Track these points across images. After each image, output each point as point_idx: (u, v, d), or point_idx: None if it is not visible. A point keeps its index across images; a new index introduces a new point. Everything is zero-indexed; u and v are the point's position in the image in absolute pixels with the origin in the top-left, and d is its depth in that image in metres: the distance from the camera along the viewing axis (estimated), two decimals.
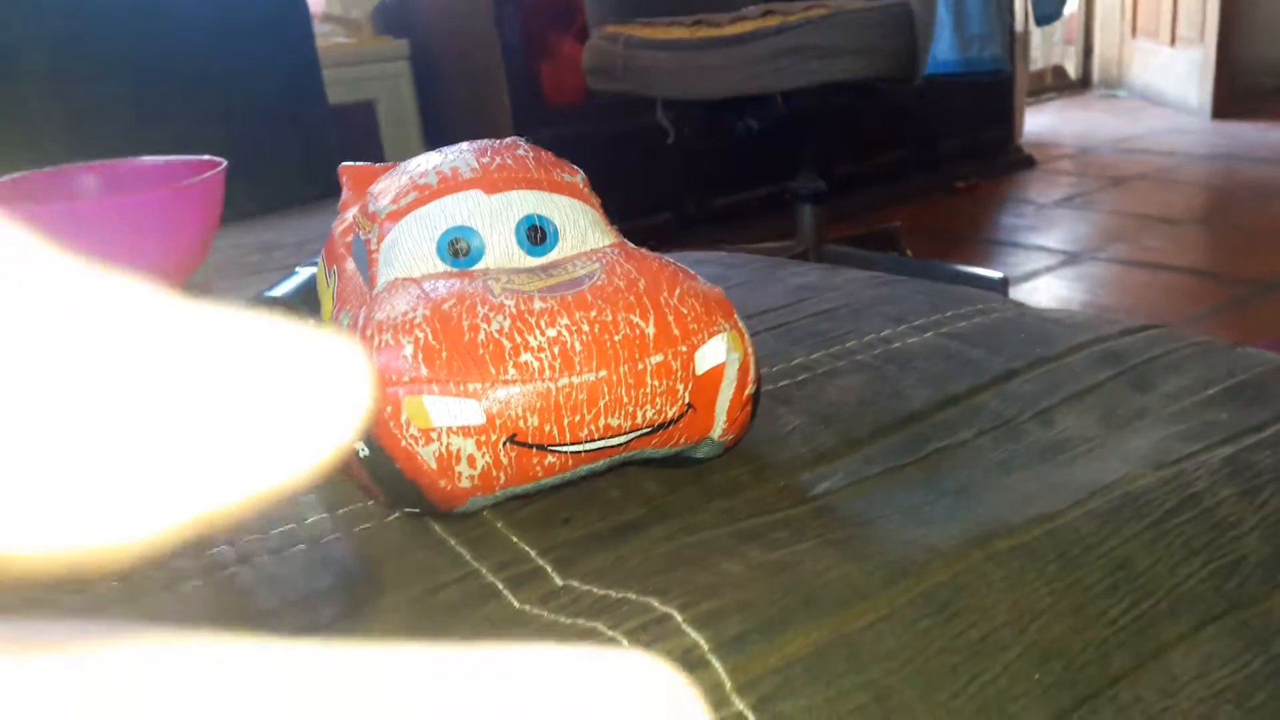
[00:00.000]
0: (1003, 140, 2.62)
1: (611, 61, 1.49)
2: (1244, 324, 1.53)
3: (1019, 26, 2.50)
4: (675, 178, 2.01)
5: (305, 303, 0.59)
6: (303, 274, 0.62)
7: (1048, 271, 1.85)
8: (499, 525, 0.31)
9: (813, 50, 1.32)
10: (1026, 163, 2.61)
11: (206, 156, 0.69)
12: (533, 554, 0.30)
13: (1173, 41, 3.08)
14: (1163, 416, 0.36)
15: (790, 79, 1.34)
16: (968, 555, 0.28)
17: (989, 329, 0.44)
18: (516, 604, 0.27)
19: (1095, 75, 3.50)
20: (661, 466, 0.34)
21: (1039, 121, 3.11)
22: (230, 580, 0.29)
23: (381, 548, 0.31)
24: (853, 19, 1.32)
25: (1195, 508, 0.30)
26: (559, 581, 0.28)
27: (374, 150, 1.93)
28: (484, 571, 0.29)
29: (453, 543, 0.30)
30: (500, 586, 0.28)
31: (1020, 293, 1.73)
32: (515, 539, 0.31)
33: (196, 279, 0.69)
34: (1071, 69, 3.54)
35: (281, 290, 0.60)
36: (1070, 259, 1.93)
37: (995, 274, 1.53)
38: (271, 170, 1.01)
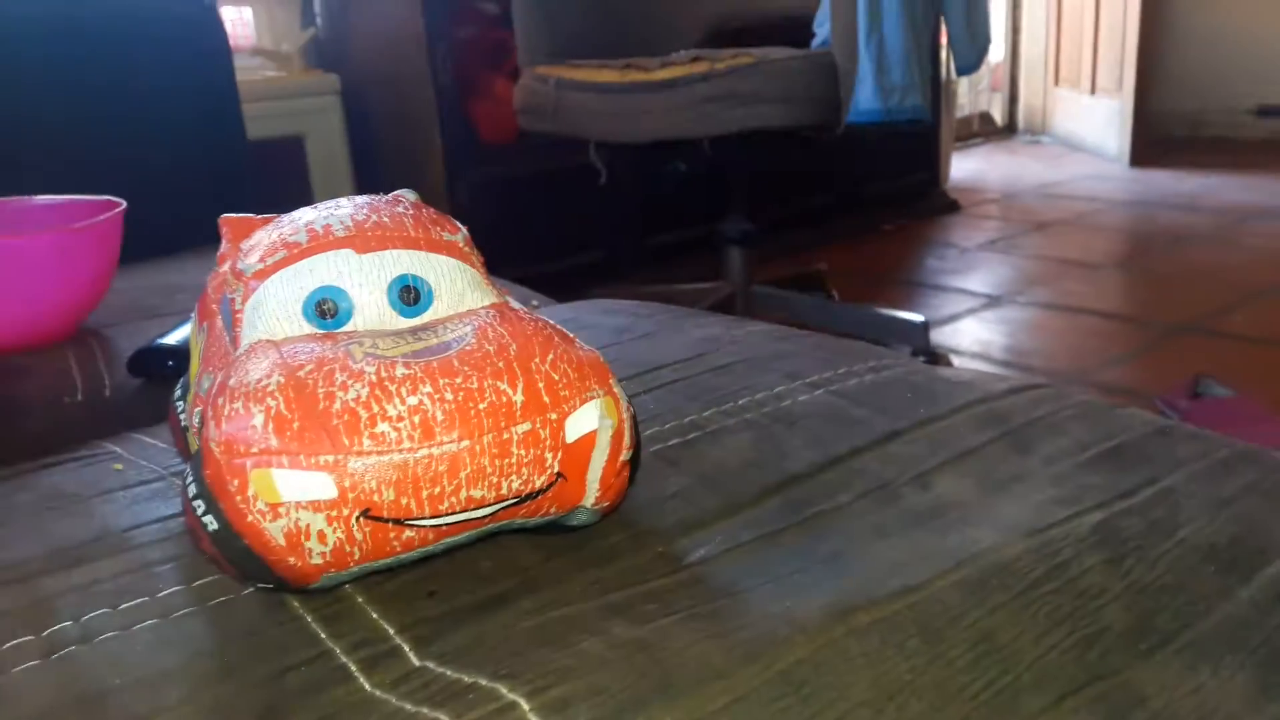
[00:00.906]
0: (928, 185, 2.68)
1: (542, 102, 1.50)
2: (1156, 367, 1.58)
3: (946, 74, 2.57)
4: (607, 217, 2.01)
5: None
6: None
7: (969, 314, 1.88)
8: (359, 600, 0.30)
9: (737, 98, 1.34)
10: (951, 207, 2.67)
11: (105, 197, 0.67)
12: (391, 632, 0.29)
13: (1093, 91, 3.19)
14: (1039, 479, 0.36)
15: (715, 125, 1.36)
16: (829, 630, 0.27)
17: (877, 388, 0.44)
18: (369, 687, 0.26)
19: (1020, 122, 3.61)
20: (535, 534, 0.33)
21: (965, 166, 3.19)
22: (69, 660, 0.28)
23: (235, 624, 0.29)
24: (777, 68, 1.34)
25: (1061, 577, 0.31)
26: (415, 662, 0.27)
27: (302, 186, 1.91)
28: (338, 651, 0.28)
29: (309, 619, 0.29)
30: (353, 669, 0.27)
31: (942, 335, 1.77)
32: (375, 615, 0.30)
33: (90, 323, 0.67)
34: (998, 115, 3.65)
35: (175, 337, 0.58)
36: (992, 302, 1.97)
37: (917, 317, 1.56)
38: (182, 206, 0.99)
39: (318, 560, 0.28)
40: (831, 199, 2.43)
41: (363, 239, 0.32)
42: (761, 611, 0.28)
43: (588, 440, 0.30)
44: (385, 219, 0.34)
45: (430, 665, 0.27)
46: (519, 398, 0.29)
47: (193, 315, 0.40)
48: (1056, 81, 3.41)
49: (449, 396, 0.28)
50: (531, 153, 1.89)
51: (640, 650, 0.26)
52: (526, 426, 0.29)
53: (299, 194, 1.89)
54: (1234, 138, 3.33)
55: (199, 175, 1.06)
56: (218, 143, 1.09)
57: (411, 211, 0.35)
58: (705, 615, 0.28)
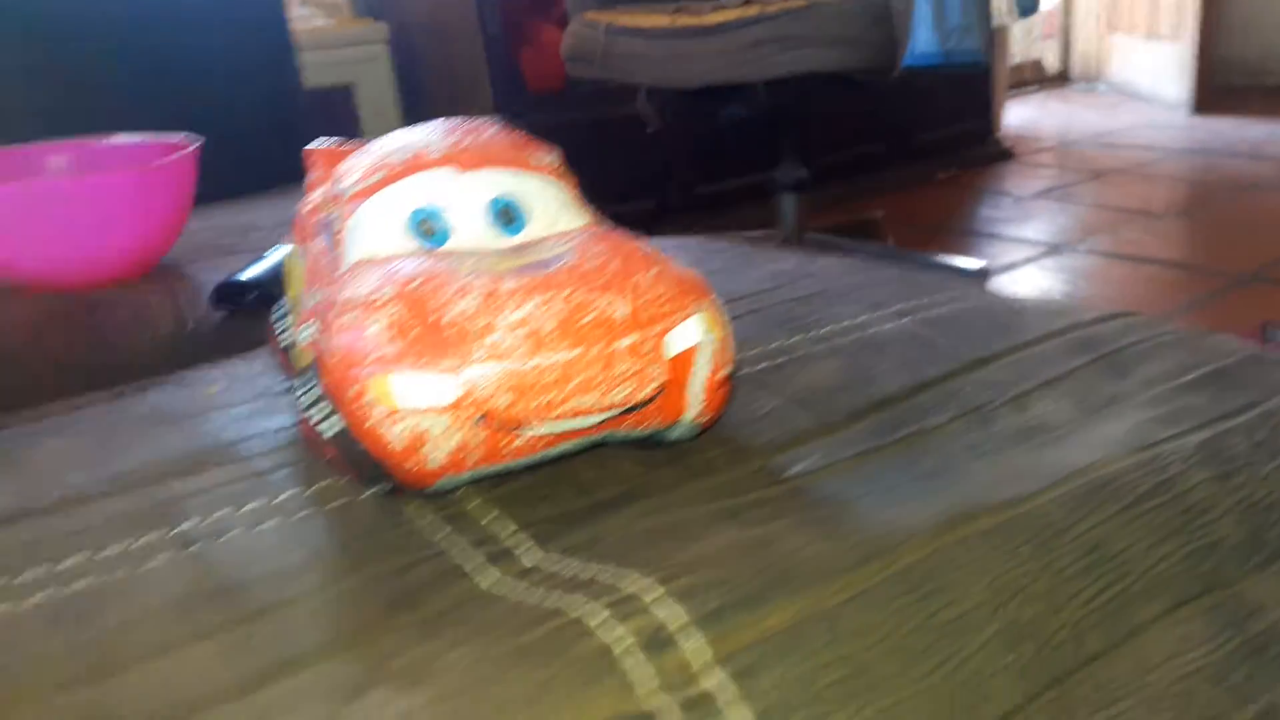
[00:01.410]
0: (982, 133, 2.63)
1: (591, 49, 1.49)
2: (1222, 315, 1.55)
3: (998, 20, 2.51)
4: (657, 165, 2.00)
5: (278, 284, 0.58)
6: (275, 256, 0.61)
7: (1028, 262, 1.85)
8: (473, 503, 0.31)
9: (790, 40, 1.32)
10: (1005, 155, 2.62)
11: (180, 135, 0.68)
12: (506, 533, 0.29)
13: (1153, 37, 3.09)
14: (1137, 402, 0.36)
15: (768, 69, 1.34)
16: (941, 536, 0.27)
17: (962, 316, 0.44)
18: (493, 580, 0.27)
19: (1074, 70, 3.52)
20: (637, 447, 0.34)
21: (1018, 114, 3.12)
22: (201, 555, 0.29)
23: (354, 525, 0.30)
24: (831, 10, 1.31)
25: (1169, 492, 0.30)
26: (536, 559, 0.28)
27: (352, 134, 1.92)
28: (455, 550, 0.29)
29: (425, 521, 0.30)
30: (476, 564, 0.28)
31: (1001, 283, 1.74)
32: (489, 517, 0.30)
33: (168, 260, 0.68)
34: (1051, 63, 3.56)
35: (252, 273, 0.59)
36: (1050, 250, 1.94)
37: (977, 263, 1.54)
38: (246, 153, 1.00)
39: (434, 464, 0.28)
40: (884, 147, 2.40)
41: (460, 159, 0.33)
42: (873, 518, 0.28)
43: (689, 354, 0.31)
44: (480, 140, 0.34)
45: (551, 561, 0.28)
46: (623, 311, 0.29)
47: (277, 246, 0.41)
48: (1112, 27, 3.32)
49: (556, 309, 0.29)
50: (579, 101, 1.88)
51: (760, 547, 0.27)
52: (631, 339, 0.29)
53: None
54: None
55: (258, 123, 1.06)
56: (275, 91, 1.09)
57: (503, 134, 0.35)
58: (817, 520, 0.28)
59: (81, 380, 0.52)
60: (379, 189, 0.32)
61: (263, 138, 1.03)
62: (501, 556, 0.28)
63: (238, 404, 0.40)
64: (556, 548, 0.28)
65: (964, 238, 2.09)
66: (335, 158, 0.40)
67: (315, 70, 1.84)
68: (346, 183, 0.32)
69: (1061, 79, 3.54)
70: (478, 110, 1.86)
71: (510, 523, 0.30)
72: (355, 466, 0.29)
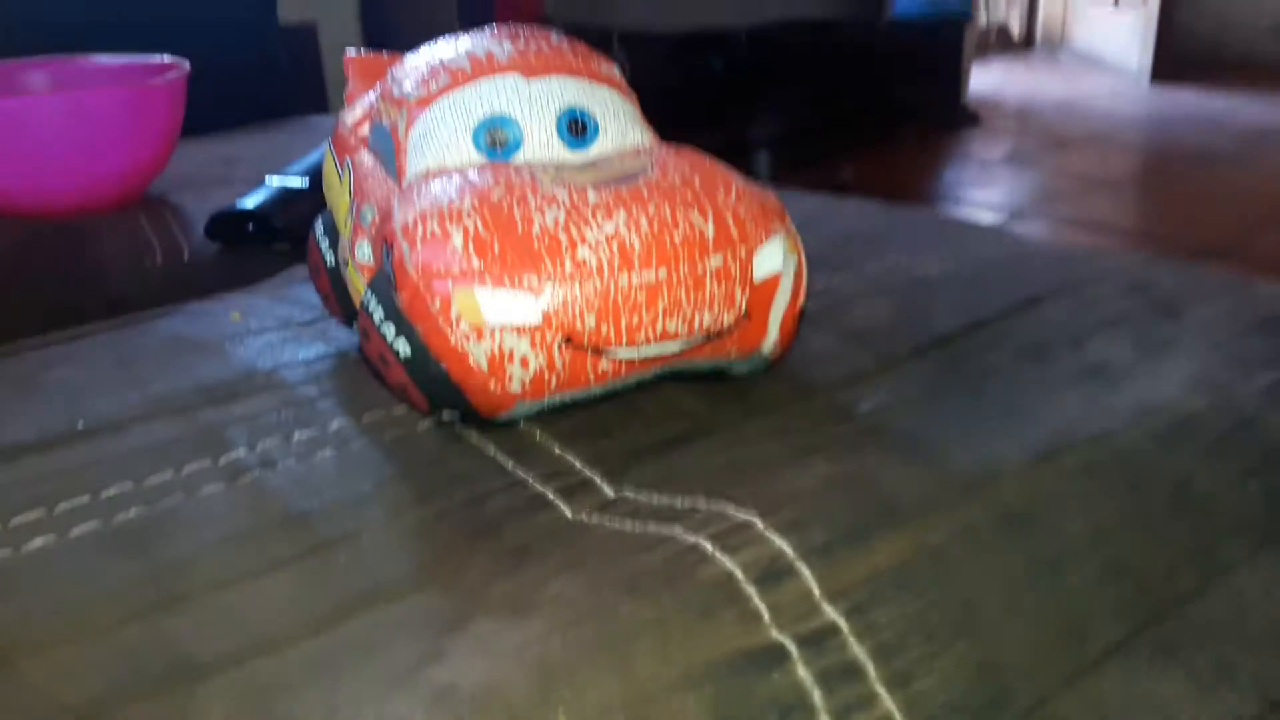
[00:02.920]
0: (949, 97, 2.63)
1: None
2: None
3: None
4: None
5: (277, 214, 0.56)
6: (274, 184, 0.59)
7: None
8: (538, 435, 0.30)
9: None
10: (972, 120, 2.63)
11: (165, 58, 0.65)
12: (578, 464, 0.28)
13: (1115, 3, 3.12)
14: (1197, 343, 0.36)
15: (754, 13, 1.32)
16: (1037, 470, 0.27)
17: (1009, 258, 0.44)
18: (570, 514, 0.26)
19: (1038, 35, 3.54)
20: (694, 384, 0.33)
21: (984, 80, 3.13)
22: (256, 485, 0.27)
23: (416, 454, 0.29)
24: None
25: (1247, 431, 0.30)
26: (611, 493, 0.27)
27: (315, 77, 1.85)
28: (530, 481, 0.27)
29: (492, 452, 0.29)
30: (550, 496, 0.27)
31: None
32: (558, 450, 0.29)
33: (154, 190, 0.65)
34: (1015, 29, 3.58)
35: (253, 201, 0.56)
36: (1014, 215, 1.96)
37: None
38: (223, 87, 0.96)
39: (516, 387, 0.27)
40: (852, 107, 2.39)
41: (528, 65, 0.31)
42: (961, 454, 0.28)
43: (773, 280, 0.29)
44: (546, 46, 0.32)
45: (629, 494, 0.26)
46: (711, 229, 0.28)
47: (269, 178, 0.39)
48: None
49: (644, 225, 0.27)
50: None
51: (855, 482, 0.26)
52: (719, 260, 0.28)
53: (312, 84, 1.84)
54: (1258, 54, 3.28)
55: (234, 57, 1.02)
56: (251, 26, 1.05)
57: (567, 42, 0.33)
58: (904, 456, 0.27)
59: (76, 311, 0.49)
60: (445, 93, 0.30)
61: (239, 72, 0.99)
62: (579, 488, 0.27)
63: (262, 331, 0.38)
64: (632, 481, 0.27)
65: (930, 199, 2.10)
66: (374, 67, 0.38)
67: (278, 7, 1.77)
68: (408, 87, 0.30)
69: (1026, 45, 3.56)
70: None
71: (577, 458, 0.29)
72: (426, 390, 0.27)
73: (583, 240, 0.26)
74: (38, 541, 0.25)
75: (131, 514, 0.26)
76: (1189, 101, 2.81)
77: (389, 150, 0.31)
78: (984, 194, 2.09)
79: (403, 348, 0.27)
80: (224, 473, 0.28)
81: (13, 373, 0.36)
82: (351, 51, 0.39)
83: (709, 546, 0.23)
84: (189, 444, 0.29)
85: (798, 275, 0.30)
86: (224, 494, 0.27)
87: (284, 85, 1.06)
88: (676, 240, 0.27)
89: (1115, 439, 0.29)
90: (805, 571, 0.22)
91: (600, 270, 0.26)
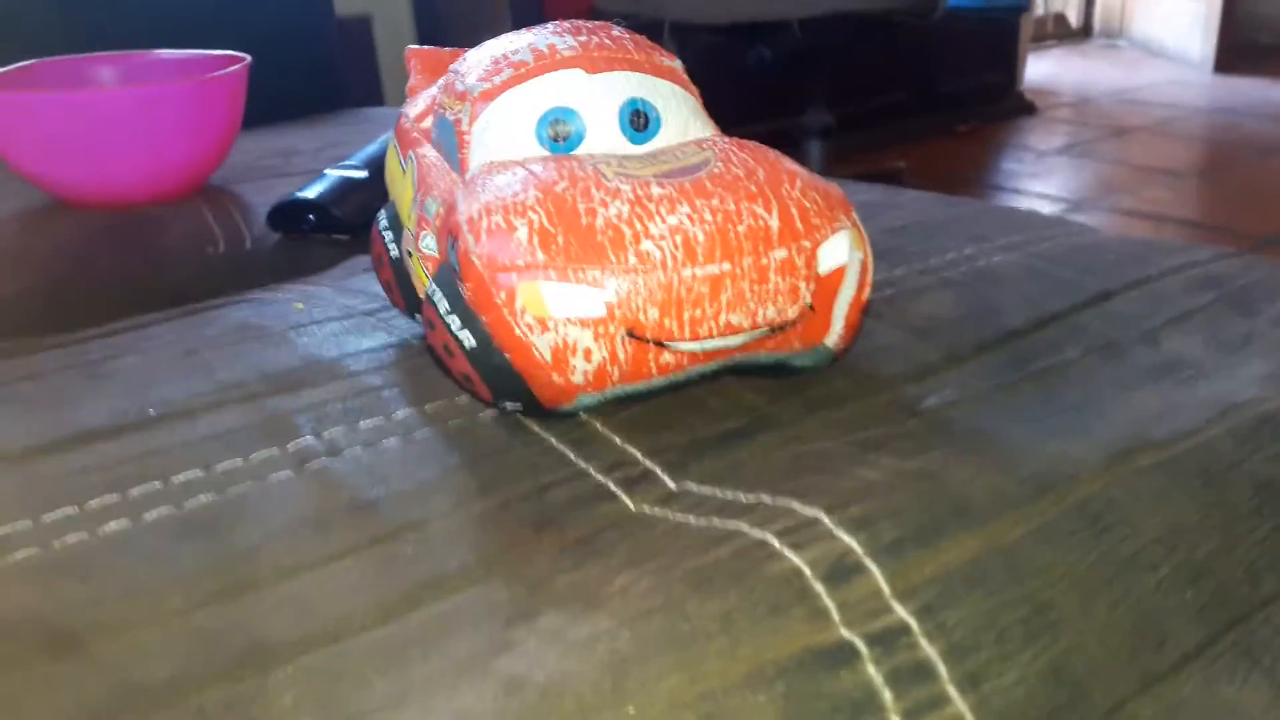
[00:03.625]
0: (1004, 86, 2.59)
1: None
2: None
3: None
4: None
5: (339, 205, 0.56)
6: (332, 176, 0.59)
7: None
8: (599, 427, 0.30)
9: None
10: (1027, 109, 2.58)
11: (226, 52, 0.66)
12: (639, 456, 0.28)
13: None
14: (1273, 341, 0.35)
15: (809, 6, 1.31)
16: (1112, 469, 0.26)
17: (1076, 250, 0.43)
18: (633, 505, 0.26)
19: (1096, 24, 3.46)
20: (755, 377, 0.32)
21: (1039, 69, 3.07)
22: (323, 472, 0.27)
23: (479, 444, 0.29)
24: None
25: None
26: (674, 485, 0.27)
27: (369, 68, 1.87)
28: (592, 472, 0.27)
29: (554, 442, 0.29)
30: (613, 487, 0.27)
31: None
32: (619, 441, 0.29)
33: (215, 180, 0.66)
34: (1073, 17, 3.50)
35: (314, 191, 0.57)
36: (1073, 207, 1.92)
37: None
38: (280, 81, 0.97)
39: (579, 379, 0.27)
40: (906, 97, 2.36)
41: (590, 59, 0.31)
42: (1034, 451, 0.27)
43: (838, 273, 0.29)
44: (608, 40, 0.32)
45: (692, 487, 0.26)
46: (775, 222, 0.28)
47: (328, 169, 0.39)
48: None
49: (708, 218, 0.27)
50: None
51: (925, 479, 0.25)
52: (783, 253, 0.28)
53: (367, 77, 1.86)
54: None
55: (291, 51, 1.03)
56: (309, 20, 1.06)
57: (628, 36, 0.33)
58: (975, 453, 0.27)
59: (141, 300, 0.50)
60: (508, 87, 0.30)
61: (296, 65, 1.00)
62: (641, 480, 0.27)
63: (326, 320, 0.38)
64: (694, 475, 0.27)
65: (985, 190, 2.06)
66: (436, 61, 0.38)
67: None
68: (471, 81, 0.30)
69: (1083, 34, 3.49)
70: None
71: (638, 449, 0.29)
72: (490, 381, 0.27)
73: (646, 233, 0.26)
74: (112, 525, 0.26)
75: (202, 500, 0.27)
76: (1252, 91, 2.73)
77: (452, 144, 0.31)
78: (1041, 185, 2.05)
79: (467, 338, 0.27)
80: (292, 460, 0.28)
81: (83, 360, 0.37)
82: (413, 46, 0.39)
83: (776, 542, 0.23)
84: (257, 431, 0.30)
85: (863, 268, 0.30)
86: (292, 481, 0.27)
87: (340, 78, 1.07)
88: (740, 233, 0.27)
89: (1192, 437, 0.28)
90: (874, 569, 0.22)
91: (664, 263, 0.26)
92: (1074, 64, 3.21)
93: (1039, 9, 3.37)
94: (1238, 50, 2.96)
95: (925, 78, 2.37)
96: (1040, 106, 2.64)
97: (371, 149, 0.61)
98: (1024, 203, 1.94)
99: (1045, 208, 1.90)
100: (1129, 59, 3.22)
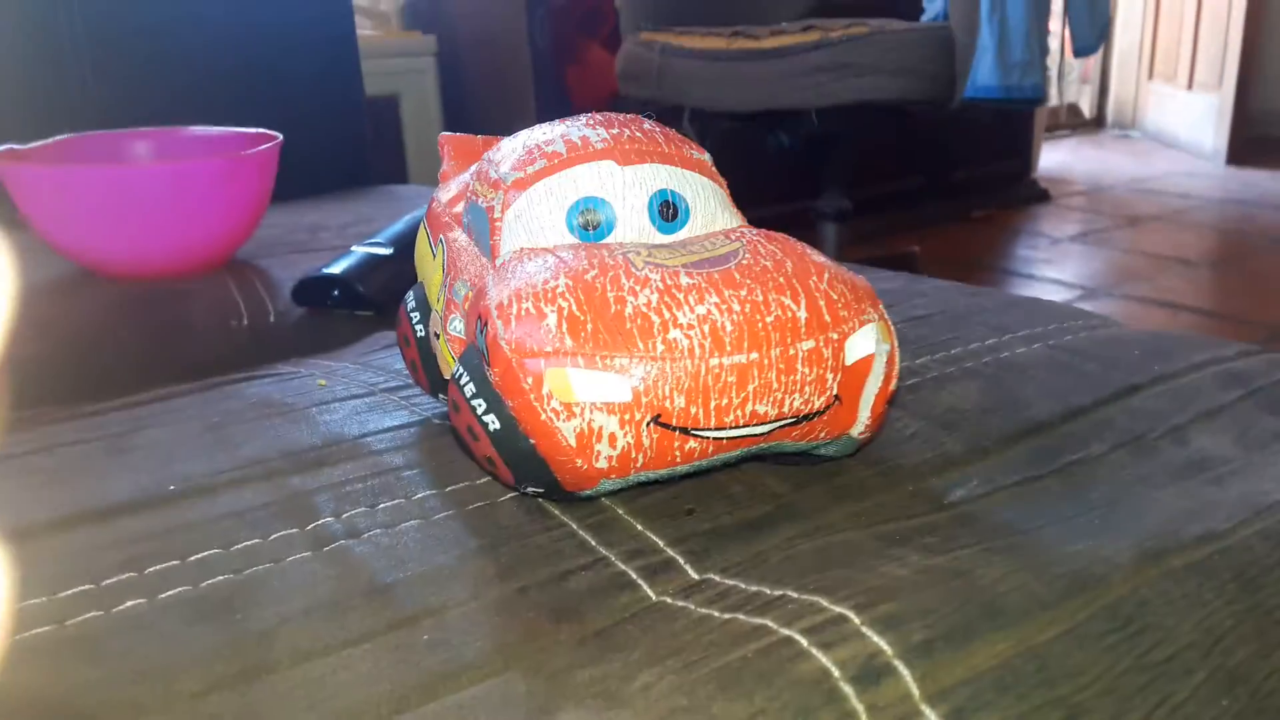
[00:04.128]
0: (1019, 173, 2.62)
1: (646, 68, 1.48)
2: None
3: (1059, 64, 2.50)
4: None
5: (363, 281, 0.57)
6: (358, 252, 0.60)
7: None
8: (621, 512, 0.29)
9: (851, 68, 1.31)
10: (1042, 196, 2.61)
11: (258, 130, 0.67)
12: (661, 544, 0.28)
13: (1190, 86, 3.09)
14: None
15: (827, 96, 1.33)
16: (1145, 570, 0.26)
17: (1100, 343, 0.42)
18: (654, 595, 0.25)
19: (1109, 115, 3.52)
20: (782, 464, 0.32)
21: (1053, 157, 3.11)
22: (342, 553, 0.27)
23: (500, 528, 0.28)
24: (893, 39, 1.31)
25: None
26: (696, 575, 0.26)
27: (396, 147, 1.91)
28: (614, 559, 0.27)
29: (575, 527, 0.28)
30: (634, 576, 0.26)
31: None
32: (640, 527, 0.28)
33: (241, 254, 0.67)
34: (1086, 108, 3.56)
35: (340, 267, 0.58)
36: (1087, 294, 1.92)
37: None
38: (309, 157, 0.99)
39: (603, 464, 0.26)
40: (921, 182, 2.39)
41: (622, 152, 0.31)
42: (1064, 550, 0.27)
43: (865, 364, 0.29)
44: (639, 133, 0.32)
45: (714, 577, 0.26)
46: (803, 314, 0.28)
47: (354, 246, 0.39)
48: (1151, 75, 3.32)
49: (736, 308, 0.27)
50: None
51: (954, 576, 0.25)
52: (811, 344, 0.28)
53: (393, 155, 1.90)
54: None
55: (321, 128, 1.05)
56: (339, 99, 1.08)
57: (659, 129, 0.34)
58: (1003, 550, 0.27)
59: (164, 371, 0.51)
60: (541, 178, 0.30)
61: (325, 143, 1.02)
62: (663, 569, 0.27)
63: (349, 398, 0.39)
64: (717, 565, 0.27)
65: (999, 276, 2.07)
66: (469, 148, 0.39)
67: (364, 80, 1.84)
68: (504, 169, 0.31)
69: (1096, 124, 3.54)
70: (522, 125, 1.86)
71: (660, 537, 0.28)
72: (513, 464, 0.27)
73: (675, 322, 0.26)
74: (128, 603, 0.26)
75: (219, 579, 0.27)
76: (1265, 183, 2.75)
77: (484, 229, 0.31)
78: (1055, 271, 2.06)
79: (492, 421, 0.27)
80: (311, 540, 0.28)
81: (105, 433, 0.37)
82: (445, 132, 0.40)
83: (804, 641, 0.22)
84: (277, 510, 0.30)
85: (890, 360, 0.30)
86: (310, 562, 0.27)
87: (367, 156, 1.10)
88: (769, 323, 0.27)
89: (1225, 539, 0.27)
90: (904, 671, 0.22)
91: (692, 352, 0.26)
92: (1088, 153, 3.25)
93: (1053, 99, 3.42)
94: (1250, 143, 2.99)
95: (941, 164, 2.41)
96: (1054, 194, 2.67)
97: (397, 226, 0.62)
98: (1038, 289, 1.94)
99: (1059, 294, 1.90)
100: (1142, 149, 3.26)
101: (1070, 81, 3.53)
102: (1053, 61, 2.30)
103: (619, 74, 1.53)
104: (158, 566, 0.27)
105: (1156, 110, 3.31)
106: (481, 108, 1.96)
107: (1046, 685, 0.22)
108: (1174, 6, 3.13)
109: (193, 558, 0.27)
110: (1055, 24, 2.19)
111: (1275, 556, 0.27)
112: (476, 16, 1.91)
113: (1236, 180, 2.81)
